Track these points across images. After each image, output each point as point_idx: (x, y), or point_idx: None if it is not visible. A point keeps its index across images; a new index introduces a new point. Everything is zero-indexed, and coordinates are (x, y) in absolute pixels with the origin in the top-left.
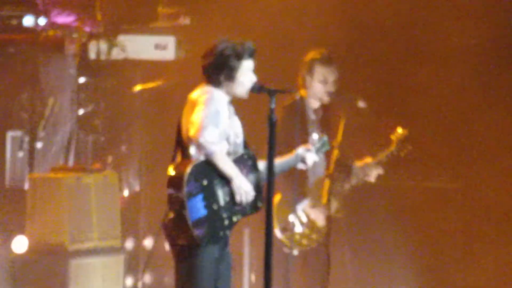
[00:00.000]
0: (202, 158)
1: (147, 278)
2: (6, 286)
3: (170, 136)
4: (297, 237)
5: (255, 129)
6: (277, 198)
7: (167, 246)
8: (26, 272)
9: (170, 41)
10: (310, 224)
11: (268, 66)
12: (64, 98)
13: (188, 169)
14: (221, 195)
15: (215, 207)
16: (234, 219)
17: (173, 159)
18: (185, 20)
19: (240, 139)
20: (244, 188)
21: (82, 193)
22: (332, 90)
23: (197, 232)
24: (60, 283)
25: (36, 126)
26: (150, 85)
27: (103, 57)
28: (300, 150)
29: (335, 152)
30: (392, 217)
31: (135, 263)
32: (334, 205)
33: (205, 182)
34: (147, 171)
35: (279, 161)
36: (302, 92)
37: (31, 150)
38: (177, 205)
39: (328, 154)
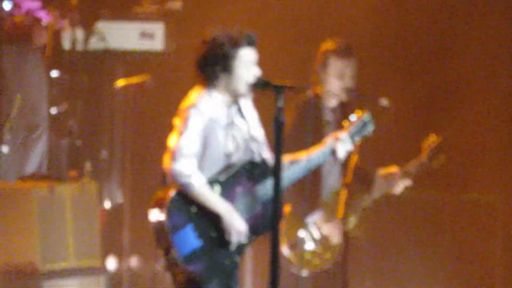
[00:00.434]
0: None
1: None
2: None
3: (158, 139)
4: (308, 255)
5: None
6: (286, 210)
7: (156, 266)
8: None
9: (158, 29)
10: (323, 241)
11: (277, 59)
12: (34, 96)
13: (169, 199)
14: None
15: (213, 234)
16: (244, 241)
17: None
18: (175, 4)
19: (240, 150)
20: (235, 226)
21: (55, 206)
22: (350, 86)
23: (191, 269)
24: None
25: (1, 128)
26: (135, 80)
27: (79, 47)
28: (330, 140)
29: (354, 158)
30: (422, 235)
31: (117, 286)
32: (352, 220)
33: (194, 209)
34: (131, 180)
35: (307, 156)
36: (317, 89)
37: None
38: (163, 241)
39: (345, 161)
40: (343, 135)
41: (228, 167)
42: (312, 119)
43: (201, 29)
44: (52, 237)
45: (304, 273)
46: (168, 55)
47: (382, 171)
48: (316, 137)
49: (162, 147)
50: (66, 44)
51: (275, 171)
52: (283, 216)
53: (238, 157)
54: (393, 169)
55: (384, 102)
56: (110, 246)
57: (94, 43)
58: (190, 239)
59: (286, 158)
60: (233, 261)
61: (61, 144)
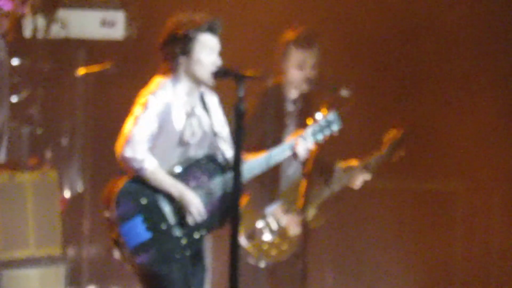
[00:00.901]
0: None
1: None
2: None
3: (119, 128)
4: (265, 246)
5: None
6: (244, 200)
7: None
8: None
9: (118, 16)
10: (281, 232)
11: (240, 49)
12: None
13: (119, 188)
14: (171, 212)
15: (163, 227)
16: (196, 236)
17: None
18: None
19: (195, 139)
20: (193, 205)
21: (16, 194)
22: (311, 76)
23: (139, 260)
24: None
25: None
26: (96, 68)
27: (40, 35)
28: (292, 139)
29: (314, 149)
30: (383, 225)
31: (78, 274)
32: (312, 212)
33: (144, 201)
34: (91, 169)
35: (267, 152)
36: (279, 79)
37: None
38: (113, 232)
39: None
40: (305, 133)
41: (183, 160)
42: (272, 109)
43: (162, 17)
44: (12, 225)
45: (262, 263)
46: (129, 43)
47: (342, 164)
48: (277, 127)
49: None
50: (27, 32)
51: (235, 161)
52: (240, 211)
53: (195, 148)
54: (353, 162)
55: (344, 92)
56: (71, 234)
57: (55, 31)
58: (138, 231)
59: (246, 156)
60: (184, 254)
61: (22, 132)
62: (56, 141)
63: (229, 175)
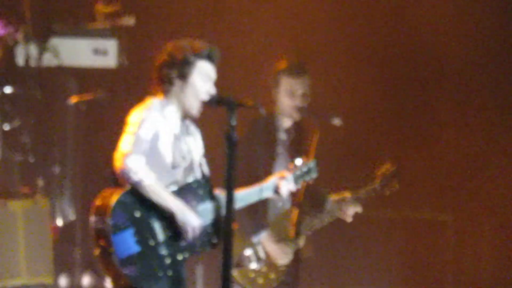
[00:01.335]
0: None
1: None
2: None
3: (110, 156)
4: (252, 274)
5: (212, 150)
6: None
7: (107, 284)
8: None
9: (111, 45)
10: (269, 261)
11: (232, 77)
12: None
13: (115, 198)
14: (160, 229)
15: (151, 243)
16: (179, 257)
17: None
18: (128, 21)
19: (185, 163)
20: (189, 222)
21: (7, 222)
22: (301, 104)
23: (126, 272)
24: None
25: None
26: (88, 96)
27: (32, 63)
28: (273, 177)
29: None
30: (374, 254)
31: None
32: (301, 242)
33: (137, 214)
34: (83, 197)
35: (245, 192)
36: (271, 107)
37: None
38: (102, 240)
39: None
40: (288, 175)
41: (173, 182)
42: (263, 137)
43: (154, 46)
44: (4, 254)
45: None
46: (121, 71)
47: (334, 196)
48: (268, 155)
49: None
50: (20, 60)
51: (227, 188)
52: (232, 236)
53: (183, 172)
54: (345, 193)
55: (336, 121)
56: (62, 263)
57: (47, 59)
58: (129, 243)
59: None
60: (166, 274)
61: (14, 160)
62: (48, 170)
63: (216, 202)
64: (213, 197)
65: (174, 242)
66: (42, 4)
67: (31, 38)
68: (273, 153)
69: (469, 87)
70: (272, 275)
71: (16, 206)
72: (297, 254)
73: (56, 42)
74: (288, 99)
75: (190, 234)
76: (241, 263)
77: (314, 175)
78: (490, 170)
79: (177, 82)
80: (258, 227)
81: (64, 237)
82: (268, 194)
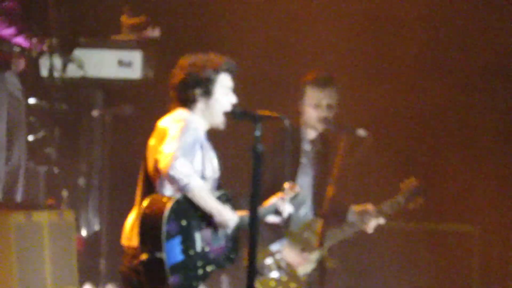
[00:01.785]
0: (177, 195)
1: None
2: None
3: (135, 167)
4: (273, 284)
5: (234, 163)
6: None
7: None
8: None
9: (136, 56)
10: (289, 271)
11: (257, 89)
12: (10, 122)
13: (169, 205)
14: (198, 240)
15: (191, 252)
16: (208, 269)
17: (142, 197)
18: (153, 32)
19: (215, 175)
20: (232, 220)
21: (33, 234)
22: (326, 116)
23: (172, 280)
24: None
25: None
26: (113, 108)
27: (57, 74)
28: (274, 199)
29: (330, 190)
30: (400, 266)
31: None
32: (324, 252)
33: (184, 223)
34: (108, 208)
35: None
36: (297, 119)
37: None
38: (152, 245)
39: (318, 191)
40: (287, 197)
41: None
42: (288, 148)
43: (179, 57)
44: (30, 266)
45: None
46: (146, 83)
47: (357, 208)
48: (292, 165)
49: (139, 174)
50: (44, 71)
51: (252, 201)
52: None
53: (210, 185)
54: (368, 206)
55: (361, 132)
56: (87, 274)
57: (72, 71)
58: (176, 251)
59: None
60: (197, 284)
61: (38, 172)
62: (72, 181)
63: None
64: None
65: (206, 253)
66: (68, 15)
67: (56, 50)
68: (297, 163)
69: (497, 93)
70: (293, 285)
71: (41, 217)
72: (321, 264)
73: (80, 53)
74: (314, 110)
75: (231, 227)
76: (262, 272)
77: (297, 200)
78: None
79: (202, 99)
80: (278, 236)
81: (89, 248)
82: (268, 214)
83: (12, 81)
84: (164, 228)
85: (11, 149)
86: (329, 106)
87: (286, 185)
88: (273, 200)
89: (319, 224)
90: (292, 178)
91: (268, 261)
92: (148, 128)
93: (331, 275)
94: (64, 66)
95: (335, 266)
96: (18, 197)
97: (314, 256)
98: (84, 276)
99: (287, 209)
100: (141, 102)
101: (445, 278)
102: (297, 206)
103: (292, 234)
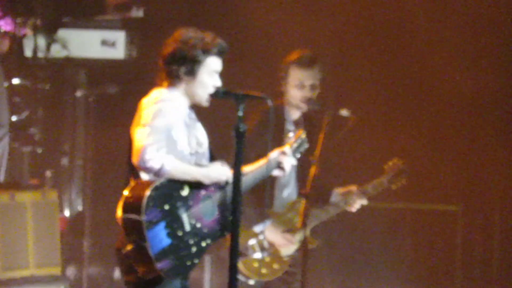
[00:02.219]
0: (157, 179)
1: None
2: None
3: (119, 147)
4: (256, 264)
5: (222, 139)
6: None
7: (115, 274)
8: None
9: (119, 36)
10: (272, 252)
11: (242, 69)
12: None
13: (147, 192)
14: (186, 219)
15: (179, 233)
16: (203, 244)
17: (126, 181)
18: (137, 12)
19: (203, 149)
20: (222, 173)
21: (16, 213)
22: (310, 96)
23: (160, 265)
24: None
25: None
26: (96, 88)
27: (40, 55)
28: (274, 154)
29: (313, 169)
30: (383, 246)
31: None
32: (307, 232)
33: (166, 207)
34: (91, 189)
35: (250, 169)
36: (280, 99)
37: None
38: (136, 235)
39: (302, 172)
40: (288, 150)
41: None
42: (272, 128)
43: (163, 37)
44: (13, 245)
45: (251, 281)
46: (130, 62)
47: (340, 188)
48: (276, 146)
49: (122, 155)
50: (28, 52)
51: (235, 179)
52: (239, 224)
53: (202, 158)
54: (351, 187)
55: (345, 112)
56: (71, 254)
57: (56, 51)
58: (161, 236)
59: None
60: (193, 263)
61: (22, 152)
62: (56, 161)
63: (228, 189)
64: (226, 183)
65: (198, 230)
66: None
67: (39, 30)
68: (281, 143)
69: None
70: (276, 265)
71: (25, 197)
72: (304, 245)
73: (64, 33)
74: (297, 90)
75: (227, 179)
76: (245, 253)
77: (306, 146)
78: (499, 160)
79: (185, 78)
80: (262, 217)
81: (72, 228)
82: (269, 171)
83: None
84: (144, 218)
85: None
86: (312, 86)
87: (291, 134)
88: (274, 155)
89: (302, 205)
90: None
91: (251, 241)
92: (131, 108)
93: (314, 256)
94: (48, 46)
95: (318, 247)
96: (1, 177)
97: (298, 237)
98: (67, 256)
99: (288, 161)
100: (124, 82)
101: (428, 256)
102: (281, 187)
103: (275, 214)
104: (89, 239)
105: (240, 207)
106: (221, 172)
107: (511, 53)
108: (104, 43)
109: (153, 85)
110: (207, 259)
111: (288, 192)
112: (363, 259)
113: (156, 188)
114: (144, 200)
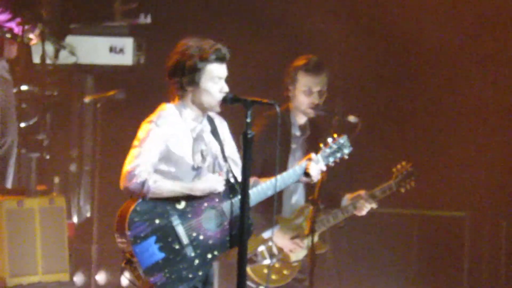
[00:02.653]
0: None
1: None
2: None
3: (127, 153)
4: (265, 270)
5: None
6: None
7: (123, 280)
8: None
9: (127, 43)
10: (282, 258)
11: (250, 75)
12: (2, 109)
13: (131, 209)
14: (183, 231)
15: (176, 246)
16: (209, 255)
17: None
18: (145, 19)
19: (207, 163)
20: (212, 185)
21: (24, 220)
22: (317, 102)
23: (153, 279)
24: None
25: None
26: (104, 94)
27: (49, 61)
28: (304, 162)
29: (321, 177)
30: (391, 252)
31: None
32: (315, 238)
33: (157, 220)
34: (99, 195)
35: (282, 176)
36: (287, 104)
37: None
38: (126, 251)
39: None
40: (317, 156)
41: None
42: (279, 133)
43: (170, 43)
44: (21, 252)
45: (261, 287)
46: (138, 69)
47: (349, 195)
48: (282, 151)
49: None
50: (36, 58)
51: (243, 185)
52: (250, 233)
53: (207, 172)
54: (360, 191)
55: (352, 119)
56: (79, 260)
57: (64, 57)
58: (152, 250)
59: (259, 179)
60: (198, 274)
61: (30, 158)
62: (64, 167)
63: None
64: (235, 192)
65: (201, 241)
66: (59, 2)
67: (47, 36)
68: (287, 147)
69: (484, 88)
70: (286, 271)
71: (33, 203)
72: (312, 250)
73: (72, 40)
74: (305, 96)
75: (218, 189)
76: (255, 259)
77: (347, 150)
78: (506, 166)
79: (189, 88)
80: (270, 224)
81: (80, 234)
82: (298, 175)
83: (4, 67)
84: (129, 233)
85: (4, 135)
86: (320, 92)
87: (330, 138)
88: (302, 162)
89: (310, 210)
90: (283, 163)
91: (261, 248)
92: (139, 114)
93: (323, 261)
94: (56, 52)
95: (326, 252)
96: (10, 183)
97: (306, 242)
98: (75, 262)
99: (316, 168)
100: (132, 89)
101: (436, 262)
102: (289, 193)
103: (284, 220)
104: (97, 245)
105: (248, 213)
106: (213, 182)
107: None
108: (112, 49)
109: (161, 91)
110: (215, 266)
111: (296, 198)
112: (371, 264)
113: (140, 204)
114: (128, 217)
